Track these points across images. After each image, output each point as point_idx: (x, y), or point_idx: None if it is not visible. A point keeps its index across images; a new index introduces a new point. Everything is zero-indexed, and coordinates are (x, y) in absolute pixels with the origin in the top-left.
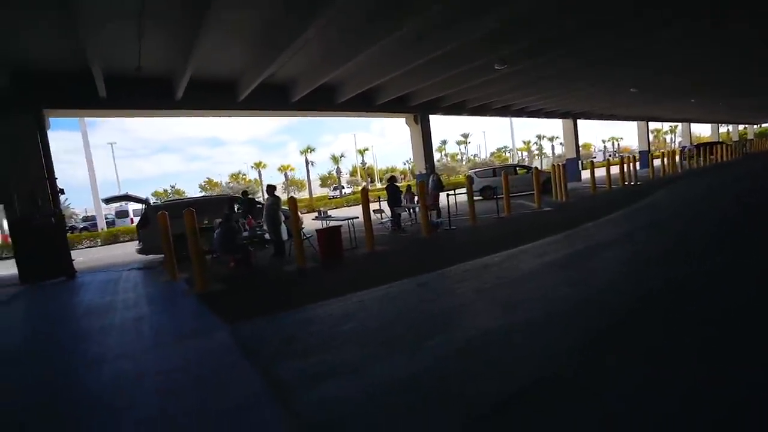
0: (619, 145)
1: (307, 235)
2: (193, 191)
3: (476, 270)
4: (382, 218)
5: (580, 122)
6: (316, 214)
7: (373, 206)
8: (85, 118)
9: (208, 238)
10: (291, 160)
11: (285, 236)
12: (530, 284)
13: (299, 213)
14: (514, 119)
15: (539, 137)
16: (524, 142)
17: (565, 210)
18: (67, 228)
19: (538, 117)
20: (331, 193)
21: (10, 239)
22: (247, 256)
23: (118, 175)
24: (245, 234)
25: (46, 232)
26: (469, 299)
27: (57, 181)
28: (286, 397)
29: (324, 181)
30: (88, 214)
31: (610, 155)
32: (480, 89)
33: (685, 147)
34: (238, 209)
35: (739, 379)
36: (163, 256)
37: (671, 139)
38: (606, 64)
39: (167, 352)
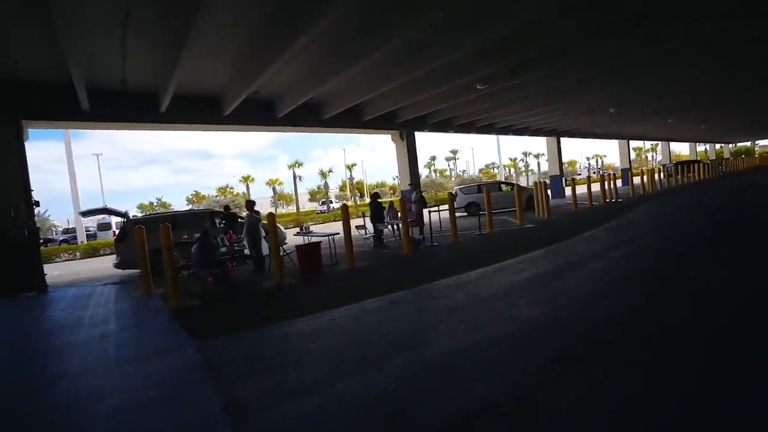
0: (602, 162)
1: (287, 251)
2: (180, 204)
3: (450, 287)
4: (365, 234)
5: (565, 140)
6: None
7: (359, 222)
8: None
9: (186, 253)
10: (281, 174)
11: (265, 252)
12: (500, 302)
13: (282, 228)
14: (502, 137)
15: (525, 154)
16: (511, 159)
17: (546, 227)
18: (45, 240)
19: (524, 135)
20: (319, 208)
21: None
22: (225, 271)
23: (103, 186)
24: (223, 249)
25: (18, 244)
26: (439, 317)
27: (33, 192)
28: (245, 417)
29: (313, 196)
30: (69, 227)
31: (594, 172)
32: (465, 107)
33: (666, 165)
34: (219, 224)
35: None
36: (140, 270)
37: (653, 156)
38: (585, 84)
39: (129, 370)
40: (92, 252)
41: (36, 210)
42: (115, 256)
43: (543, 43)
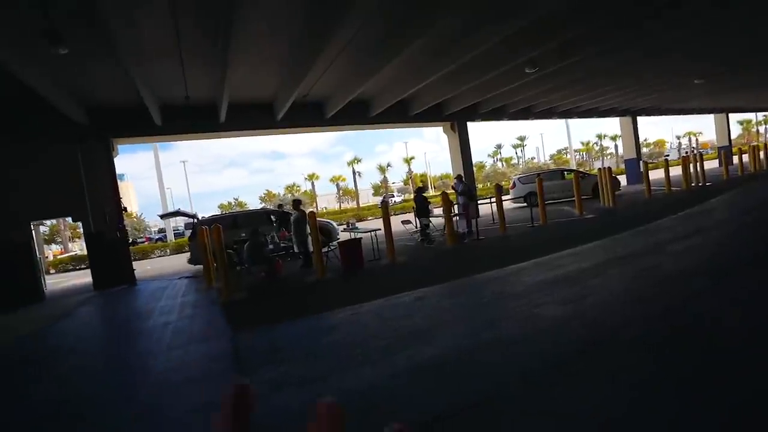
0: (697, 140)
1: (331, 247)
2: (254, 203)
3: (479, 284)
4: (413, 229)
5: (649, 119)
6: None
7: (407, 217)
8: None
9: (240, 250)
10: (347, 170)
11: (311, 248)
12: (523, 300)
13: (335, 224)
14: (573, 120)
15: (600, 137)
16: (583, 143)
17: (605, 218)
18: (133, 240)
19: (591, 117)
20: (380, 204)
21: (69, 253)
22: (274, 267)
23: (190, 189)
24: (270, 247)
25: (112, 245)
26: (456, 315)
27: (122, 199)
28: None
29: (377, 190)
30: (162, 227)
31: (686, 152)
32: (517, 93)
33: None
34: (274, 222)
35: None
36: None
37: (765, 130)
38: (656, 56)
39: (174, 354)
40: (179, 249)
41: (128, 213)
42: (189, 252)
43: (592, 17)
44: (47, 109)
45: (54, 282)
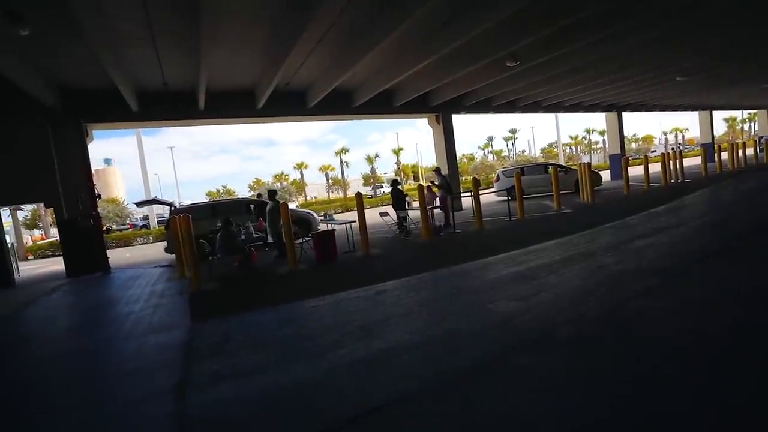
0: (683, 136)
1: (306, 239)
2: (243, 191)
3: (442, 278)
4: (390, 221)
5: (641, 114)
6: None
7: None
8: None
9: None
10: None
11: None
12: (480, 296)
13: (315, 214)
14: (564, 114)
15: (588, 131)
16: (572, 138)
17: (581, 213)
18: (107, 228)
19: (577, 112)
20: (370, 193)
21: (49, 239)
22: (248, 257)
23: (178, 175)
24: (242, 237)
25: (86, 233)
26: (411, 309)
27: (96, 186)
28: (187, 394)
29: (367, 180)
30: (146, 214)
31: (672, 148)
32: (502, 85)
33: (762, 137)
34: (252, 212)
35: None
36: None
37: (750, 128)
38: (639, 52)
39: (129, 345)
40: (162, 236)
41: (114, 199)
42: (165, 241)
43: (576, 11)
44: (16, 92)
45: (29, 268)
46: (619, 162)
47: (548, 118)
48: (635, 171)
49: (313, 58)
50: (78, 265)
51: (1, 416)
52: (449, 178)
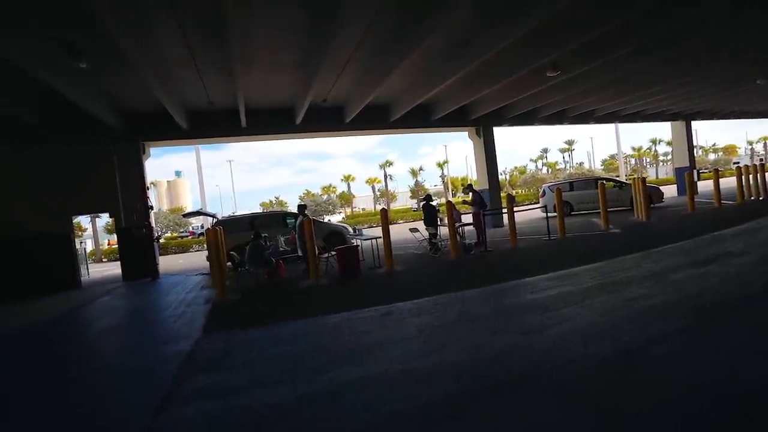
0: None
1: (332, 253)
2: (294, 202)
3: (454, 302)
4: (423, 237)
5: (719, 122)
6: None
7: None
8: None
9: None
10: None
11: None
12: (485, 324)
13: (350, 227)
14: (624, 124)
15: (653, 141)
16: (635, 149)
17: (631, 234)
18: (158, 237)
19: (635, 122)
20: (415, 206)
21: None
22: (275, 269)
23: (234, 187)
24: (269, 250)
25: (139, 241)
26: (409, 335)
27: (149, 198)
28: (164, 408)
29: (414, 193)
30: (203, 223)
31: (761, 159)
32: (546, 96)
33: None
34: (289, 225)
35: None
36: (228, 263)
37: None
38: (704, 54)
39: (135, 353)
40: None
41: (178, 209)
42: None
43: (619, 14)
44: (86, 115)
45: (100, 270)
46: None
47: (609, 127)
48: (708, 186)
49: (345, 77)
50: (132, 270)
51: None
52: (489, 192)
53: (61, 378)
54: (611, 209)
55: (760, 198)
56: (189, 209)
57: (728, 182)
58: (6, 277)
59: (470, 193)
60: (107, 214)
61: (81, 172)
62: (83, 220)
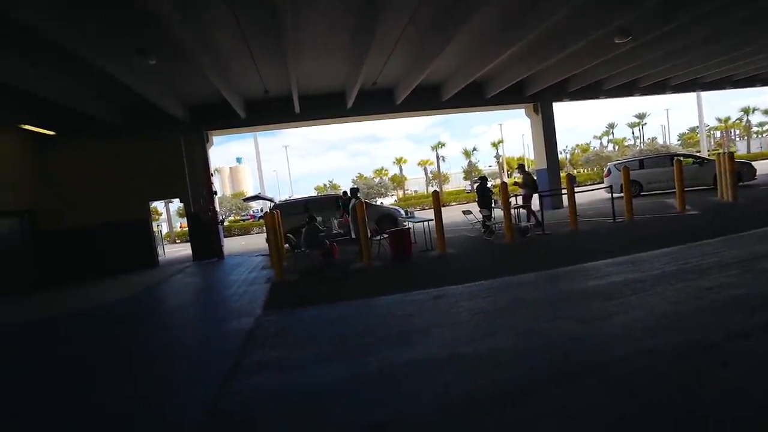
0: None
1: (384, 235)
2: (348, 185)
3: (509, 286)
4: (479, 219)
5: None
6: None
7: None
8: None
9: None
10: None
11: (369, 234)
12: (541, 310)
13: (402, 210)
14: (706, 93)
15: (746, 111)
16: (721, 120)
17: (713, 216)
18: (222, 220)
19: (722, 89)
20: (469, 187)
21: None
22: (329, 251)
23: (291, 172)
24: (323, 233)
25: (205, 224)
26: (461, 319)
27: (213, 184)
28: (229, 380)
29: (467, 174)
30: (262, 207)
31: None
32: (614, 66)
33: None
34: (340, 206)
35: None
36: (286, 245)
37: None
38: None
39: (201, 329)
40: None
41: (237, 193)
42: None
43: None
44: (157, 111)
45: (174, 250)
46: None
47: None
48: None
49: (395, 57)
50: (200, 250)
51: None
52: (548, 173)
53: (142, 349)
54: (689, 188)
55: None
56: (249, 194)
57: None
58: (96, 257)
59: (521, 174)
60: (178, 200)
61: (156, 163)
62: (159, 205)
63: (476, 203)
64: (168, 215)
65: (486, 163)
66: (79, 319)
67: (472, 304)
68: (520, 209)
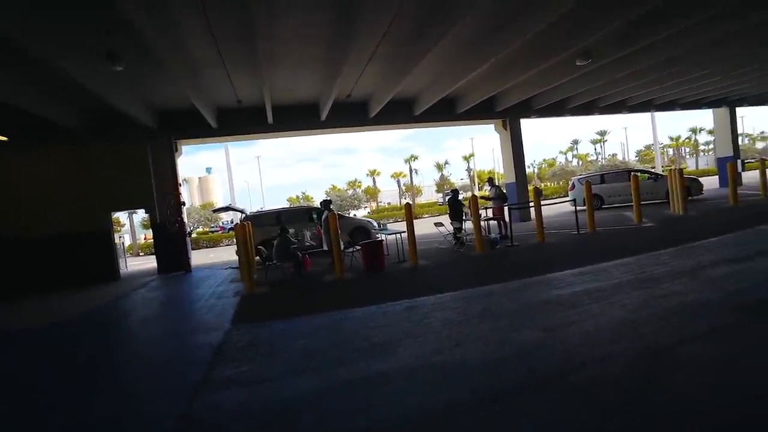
0: None
1: (357, 248)
2: (320, 197)
3: (478, 297)
4: (451, 231)
5: (763, 108)
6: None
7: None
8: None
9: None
10: (414, 165)
11: (342, 246)
12: (506, 321)
13: (375, 222)
14: (662, 113)
15: (693, 131)
16: (672, 139)
17: (666, 228)
18: (190, 232)
19: (673, 110)
20: (441, 200)
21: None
22: (301, 263)
23: (262, 183)
24: (295, 246)
25: (172, 236)
26: (429, 330)
27: (181, 195)
28: (196, 396)
29: (440, 187)
30: (232, 218)
31: None
32: (576, 86)
33: None
34: (313, 219)
35: None
36: (257, 257)
37: None
38: (749, 34)
39: (169, 342)
40: None
41: (205, 205)
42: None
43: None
44: (123, 115)
45: (137, 263)
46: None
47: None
48: (754, 177)
49: (369, 71)
50: (166, 263)
51: None
52: (516, 186)
53: (105, 364)
54: (645, 202)
55: None
56: (219, 205)
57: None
58: (53, 270)
59: (491, 188)
60: (143, 210)
61: (119, 171)
62: (122, 216)
63: (448, 215)
64: (131, 226)
65: (458, 177)
66: (31, 335)
67: (443, 315)
68: (490, 221)
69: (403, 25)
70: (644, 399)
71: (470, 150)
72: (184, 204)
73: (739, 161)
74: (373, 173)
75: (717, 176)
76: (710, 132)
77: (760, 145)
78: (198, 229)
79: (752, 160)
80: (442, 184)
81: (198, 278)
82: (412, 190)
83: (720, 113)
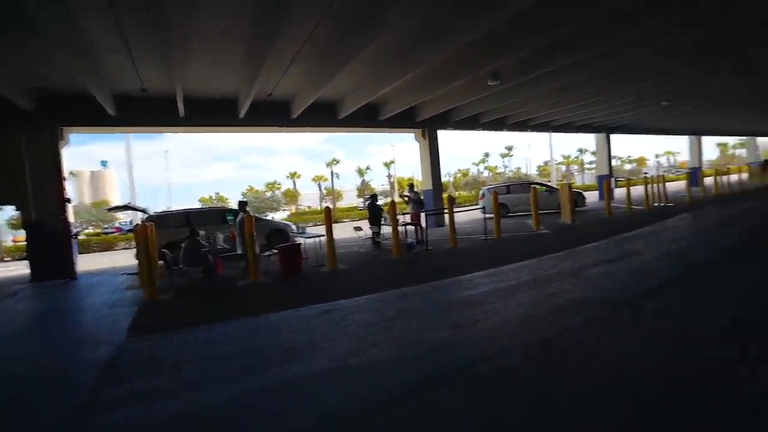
0: (675, 160)
1: (274, 251)
2: (236, 198)
3: (393, 299)
4: (363, 236)
5: (633, 136)
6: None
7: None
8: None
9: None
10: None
11: (257, 250)
12: (419, 322)
13: (294, 226)
14: (556, 133)
15: (581, 151)
16: (565, 157)
17: (558, 235)
18: (76, 233)
19: (566, 132)
20: (361, 205)
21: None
22: (212, 267)
23: (170, 181)
24: (205, 249)
25: (53, 237)
26: (346, 333)
27: (66, 190)
28: (82, 419)
29: (361, 192)
30: (132, 219)
31: (665, 171)
32: (487, 103)
33: (753, 164)
34: (227, 221)
35: None
36: (160, 261)
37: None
38: (621, 75)
39: (51, 360)
40: None
41: (99, 203)
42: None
43: (553, 30)
44: None
45: (2, 270)
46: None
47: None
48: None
49: (292, 72)
50: (43, 270)
51: None
52: (433, 193)
53: None
54: (542, 211)
55: (662, 204)
56: (116, 203)
57: (638, 190)
58: None
59: (410, 194)
60: (12, 207)
61: None
62: None
63: (367, 220)
64: None
65: (379, 182)
66: None
67: (359, 318)
68: (407, 226)
69: (329, 29)
70: (539, 386)
71: (391, 157)
72: (69, 200)
73: (613, 179)
74: (293, 176)
75: (597, 191)
76: (593, 153)
77: (627, 167)
78: (87, 230)
79: (621, 179)
80: (363, 189)
81: (86, 286)
82: (333, 194)
83: (600, 138)
